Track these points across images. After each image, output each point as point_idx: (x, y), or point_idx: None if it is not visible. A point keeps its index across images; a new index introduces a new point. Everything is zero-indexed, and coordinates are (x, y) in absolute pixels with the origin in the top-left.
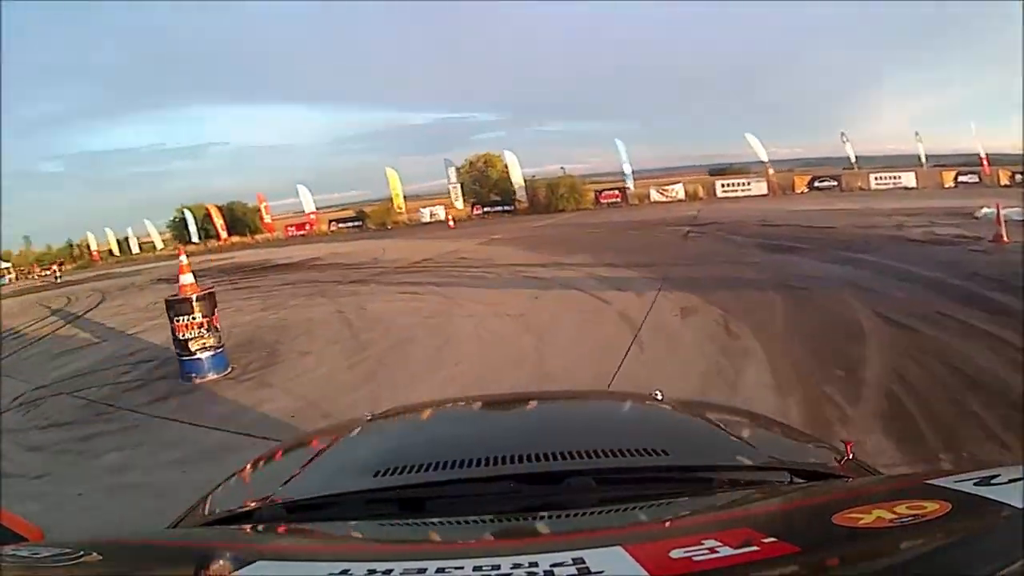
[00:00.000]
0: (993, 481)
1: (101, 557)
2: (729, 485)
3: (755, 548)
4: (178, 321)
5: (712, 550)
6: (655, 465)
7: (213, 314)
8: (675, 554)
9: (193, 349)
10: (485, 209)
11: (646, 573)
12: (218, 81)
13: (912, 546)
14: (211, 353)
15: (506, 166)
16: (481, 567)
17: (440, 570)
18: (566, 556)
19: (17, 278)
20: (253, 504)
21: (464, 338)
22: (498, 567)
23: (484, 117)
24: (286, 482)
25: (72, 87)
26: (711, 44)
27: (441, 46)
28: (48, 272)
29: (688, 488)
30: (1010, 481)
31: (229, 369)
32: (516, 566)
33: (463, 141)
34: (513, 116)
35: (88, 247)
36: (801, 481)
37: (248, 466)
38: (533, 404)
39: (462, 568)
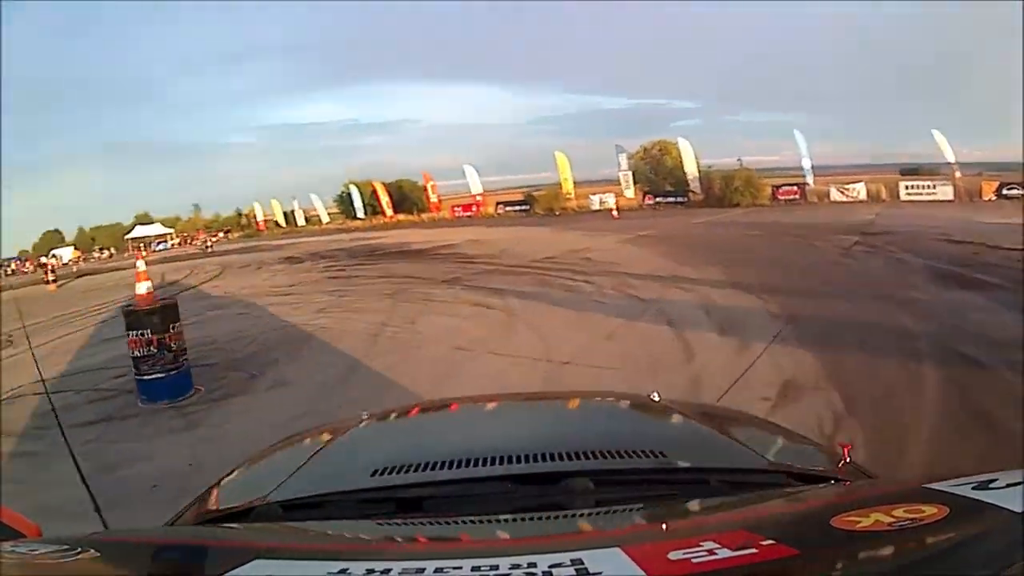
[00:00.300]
0: (991, 485)
1: (98, 554)
2: (727, 487)
3: (753, 550)
4: (129, 336)
5: (710, 552)
6: (653, 467)
7: (168, 330)
8: (673, 555)
9: (142, 370)
10: (657, 199)
11: (644, 574)
12: (418, 60)
13: (910, 550)
14: (162, 376)
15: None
16: (479, 567)
17: (438, 570)
18: (564, 557)
19: (182, 243)
20: (251, 502)
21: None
22: (496, 567)
23: (679, 104)
24: (284, 481)
25: (274, 63)
26: (902, 40)
27: (635, 31)
28: (211, 239)
29: (686, 490)
30: (1008, 485)
31: (191, 393)
32: (514, 566)
33: (652, 128)
34: (701, 105)
35: (254, 217)
36: (799, 484)
37: (246, 464)
38: (531, 405)
39: (460, 568)
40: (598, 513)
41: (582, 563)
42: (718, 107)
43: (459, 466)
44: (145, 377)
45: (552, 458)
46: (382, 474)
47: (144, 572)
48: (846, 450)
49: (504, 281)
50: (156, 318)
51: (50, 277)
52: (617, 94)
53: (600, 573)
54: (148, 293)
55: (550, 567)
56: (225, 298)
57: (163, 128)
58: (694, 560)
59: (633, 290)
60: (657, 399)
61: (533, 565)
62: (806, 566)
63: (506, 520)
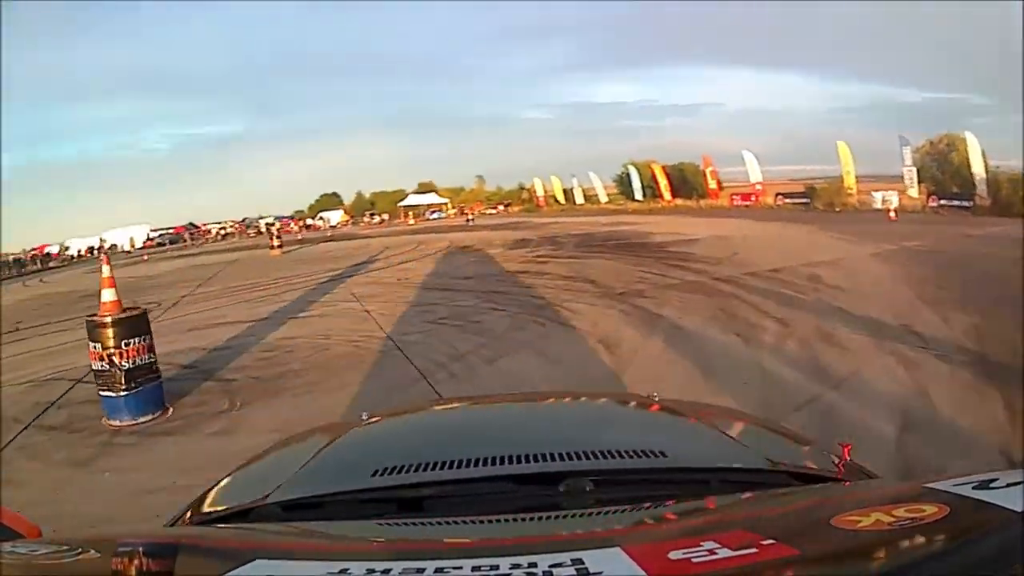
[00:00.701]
0: (992, 485)
1: (98, 555)
2: (728, 487)
3: (754, 550)
4: (89, 347)
5: (711, 552)
6: (653, 467)
7: (120, 347)
8: (674, 555)
9: (98, 384)
10: (941, 201)
11: (644, 574)
12: (728, 44)
13: (911, 549)
14: (112, 395)
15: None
16: (480, 567)
17: (439, 570)
18: (565, 557)
19: (459, 213)
20: (251, 503)
21: None
22: (497, 567)
23: (976, 100)
24: (284, 481)
25: (575, 43)
26: None
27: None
28: (472, 213)
29: (687, 490)
30: (1008, 485)
31: (156, 414)
32: (515, 566)
33: (939, 124)
34: (992, 101)
35: (535, 192)
36: (800, 484)
37: (246, 465)
38: (531, 404)
39: (461, 568)
40: (598, 513)
41: (582, 563)
42: (1010, 104)
43: (459, 466)
44: (100, 393)
45: (552, 458)
46: (382, 474)
47: (144, 572)
48: (846, 450)
49: (684, 304)
50: (110, 332)
51: (275, 242)
52: (907, 86)
53: (600, 573)
54: (112, 302)
55: (550, 567)
56: (376, 288)
57: (463, 101)
58: (694, 560)
59: (822, 346)
60: (657, 399)
61: (533, 565)
62: (807, 566)
63: (506, 520)
